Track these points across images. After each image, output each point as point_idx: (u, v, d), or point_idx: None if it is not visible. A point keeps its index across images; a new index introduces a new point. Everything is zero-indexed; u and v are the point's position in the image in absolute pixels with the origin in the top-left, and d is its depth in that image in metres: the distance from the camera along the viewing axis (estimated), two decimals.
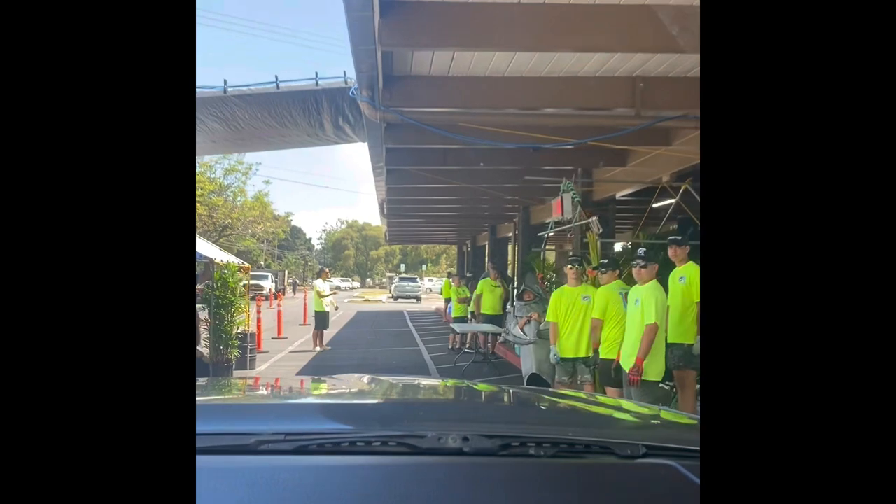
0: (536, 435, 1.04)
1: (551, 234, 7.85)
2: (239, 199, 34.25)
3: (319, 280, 12.30)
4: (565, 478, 0.95)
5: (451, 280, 22.04)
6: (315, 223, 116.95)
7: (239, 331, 9.40)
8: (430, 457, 0.96)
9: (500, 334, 9.88)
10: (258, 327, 11.82)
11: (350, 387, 1.74)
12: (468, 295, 11.60)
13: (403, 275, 45.62)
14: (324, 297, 11.99)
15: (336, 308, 12.39)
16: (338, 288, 54.50)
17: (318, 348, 12.07)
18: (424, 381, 2.15)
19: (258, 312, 11.93)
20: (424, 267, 65.07)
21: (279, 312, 14.71)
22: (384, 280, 65.95)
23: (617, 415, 1.50)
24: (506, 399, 1.67)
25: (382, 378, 1.82)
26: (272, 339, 13.91)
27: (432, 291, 46.01)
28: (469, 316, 11.57)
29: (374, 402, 1.56)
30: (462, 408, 1.55)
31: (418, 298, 35.46)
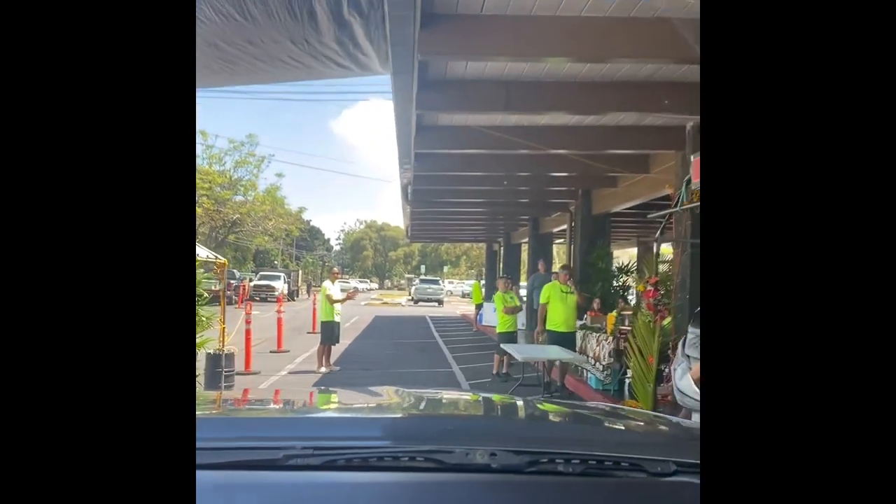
0: (565, 451, 1.02)
1: (675, 211, 5.02)
2: (250, 193, 31.86)
3: (328, 281, 9.58)
4: (594, 496, 0.96)
5: (480, 282, 19.67)
6: (334, 224, 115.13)
7: (209, 353, 6.83)
8: (457, 474, 0.96)
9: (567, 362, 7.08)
10: (247, 342, 9.23)
11: (378, 399, 1.75)
12: (517, 304, 8.80)
13: (424, 276, 42.90)
14: (335, 302, 9.26)
15: (350, 297, 9.70)
16: (355, 290, 51.77)
17: (323, 369, 9.39)
18: (451, 394, 2.03)
19: (247, 322, 9.35)
20: (446, 268, 62.45)
21: (279, 320, 12.08)
22: (403, 281, 63.84)
23: (647, 429, 1.46)
24: (534, 413, 1.66)
25: (410, 390, 1.79)
26: (271, 352, 11.43)
27: (453, 294, 43.54)
28: (517, 331, 8.80)
29: (402, 415, 1.52)
30: (490, 422, 1.53)
31: (440, 302, 32.84)
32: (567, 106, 5.52)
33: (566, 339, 7.44)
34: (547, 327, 7.56)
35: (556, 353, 6.64)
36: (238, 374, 8.73)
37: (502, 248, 20.66)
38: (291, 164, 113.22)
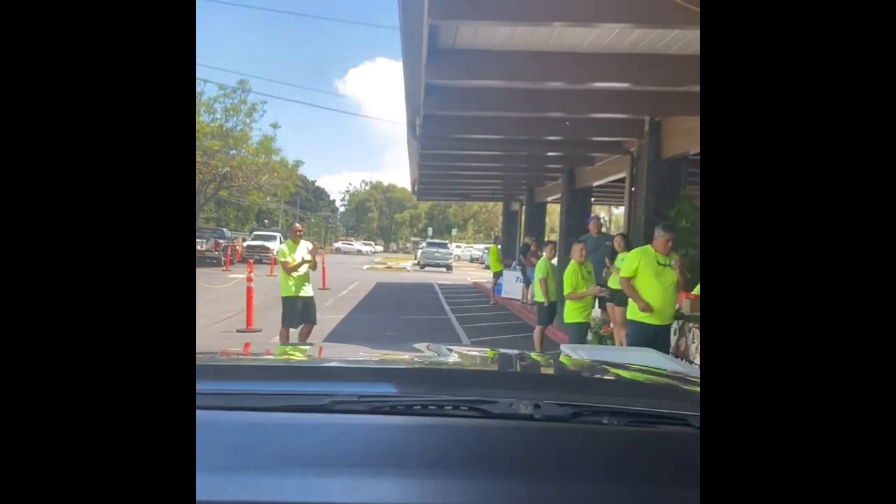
0: (610, 405, 1.02)
1: None
2: (242, 146, 28.93)
3: (284, 245, 6.90)
4: (640, 446, 0.94)
5: (498, 247, 16.93)
6: (339, 185, 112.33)
7: None
8: (501, 420, 0.96)
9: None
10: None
11: (420, 353, 1.76)
12: (592, 282, 5.99)
13: (431, 239, 40.16)
14: (294, 267, 6.59)
15: (314, 267, 6.90)
16: (358, 251, 49.93)
17: None
18: (493, 350, 1.99)
19: None
20: (454, 231, 59.82)
21: (249, 290, 9.48)
22: (408, 245, 61.44)
23: (692, 388, 1.38)
24: (577, 369, 1.70)
25: (451, 346, 1.78)
26: (238, 331, 9.03)
27: (460, 259, 41.05)
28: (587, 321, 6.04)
29: (445, 368, 1.50)
30: (533, 376, 1.55)
31: (449, 267, 30.29)
32: None
33: (659, 337, 4.77)
34: (629, 316, 4.88)
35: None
36: None
37: (524, 207, 17.87)
38: (290, 117, 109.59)
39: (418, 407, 0.97)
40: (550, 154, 11.40)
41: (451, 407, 0.97)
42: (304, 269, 6.71)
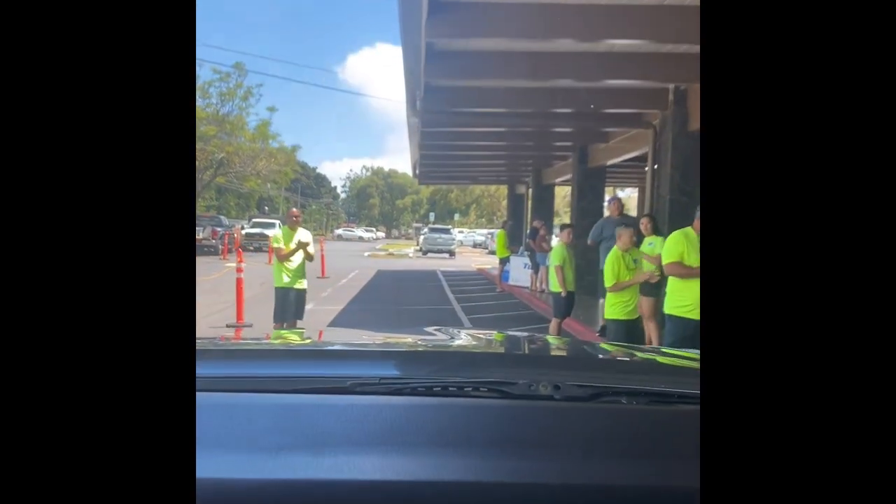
0: (630, 386, 1.03)
1: None
2: (239, 133, 28.09)
3: (279, 231, 6.31)
4: (660, 425, 0.95)
5: (506, 227, 16.17)
6: (340, 171, 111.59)
7: None
8: (522, 401, 0.97)
9: None
10: None
11: (439, 336, 1.76)
12: (637, 272, 5.16)
13: (434, 225, 39.40)
14: (287, 255, 5.99)
15: (311, 258, 6.28)
16: (360, 237, 49.46)
17: None
18: (511, 334, 1.98)
19: None
20: (456, 216, 59.05)
21: (239, 281, 8.78)
22: (410, 231, 60.78)
23: None
24: (595, 351, 1.71)
25: (469, 330, 1.78)
26: (228, 326, 8.34)
27: (463, 244, 40.37)
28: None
29: (464, 351, 1.54)
30: (552, 358, 1.57)
31: (452, 253, 29.59)
32: None
33: (692, 335, 4.08)
34: (668, 310, 4.18)
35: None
36: None
37: (530, 191, 17.10)
38: (289, 103, 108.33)
39: (439, 388, 0.99)
40: (560, 130, 10.64)
41: (471, 388, 0.99)
42: (299, 258, 6.08)
